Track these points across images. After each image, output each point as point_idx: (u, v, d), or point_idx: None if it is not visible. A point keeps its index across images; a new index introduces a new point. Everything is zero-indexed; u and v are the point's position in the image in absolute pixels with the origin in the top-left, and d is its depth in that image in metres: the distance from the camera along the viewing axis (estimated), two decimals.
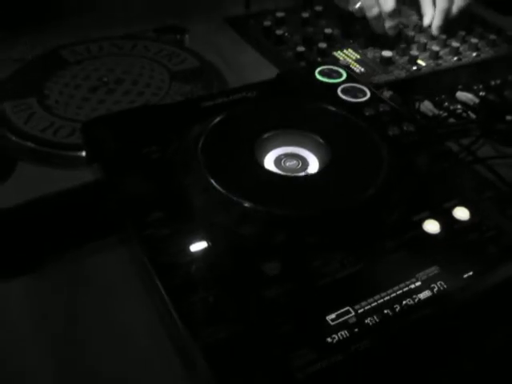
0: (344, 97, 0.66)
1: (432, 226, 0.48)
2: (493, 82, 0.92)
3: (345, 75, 0.70)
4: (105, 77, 0.81)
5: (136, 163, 0.56)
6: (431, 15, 0.95)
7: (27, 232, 0.62)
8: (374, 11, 0.89)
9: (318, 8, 1.02)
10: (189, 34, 0.94)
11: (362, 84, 0.68)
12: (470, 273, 0.44)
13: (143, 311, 0.54)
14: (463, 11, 0.95)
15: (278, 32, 0.93)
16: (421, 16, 0.98)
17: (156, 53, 0.88)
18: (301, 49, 0.88)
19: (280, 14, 0.99)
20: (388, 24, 0.90)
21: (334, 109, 0.62)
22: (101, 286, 0.58)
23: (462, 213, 0.49)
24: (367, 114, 0.63)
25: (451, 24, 0.96)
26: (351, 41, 0.94)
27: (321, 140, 0.57)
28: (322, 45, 0.89)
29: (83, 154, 0.68)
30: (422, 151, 0.58)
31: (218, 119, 0.58)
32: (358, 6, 0.93)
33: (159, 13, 1.02)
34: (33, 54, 0.87)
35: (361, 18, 0.93)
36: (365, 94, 0.67)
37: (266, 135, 0.57)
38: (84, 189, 0.63)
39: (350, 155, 0.56)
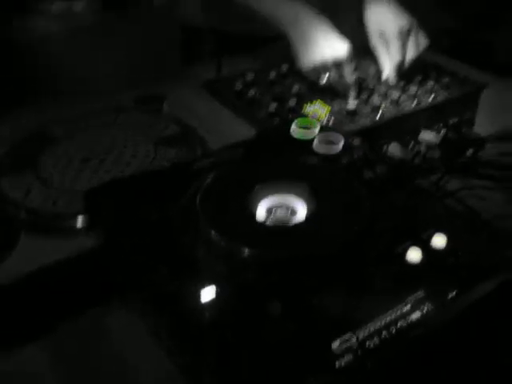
0: (320, 148, 0.72)
1: (414, 255, 0.54)
2: (451, 121, 1.00)
3: (318, 128, 0.77)
4: (94, 148, 0.86)
5: (138, 226, 0.61)
6: (388, 69, 1.03)
7: (35, 301, 0.66)
8: (340, 84, 1.00)
9: (284, 68, 1.09)
10: (166, 101, 1.00)
11: (335, 135, 0.75)
12: (453, 293, 0.50)
13: (155, 363, 0.59)
14: (416, 60, 1.04)
15: (250, 94, 1.00)
16: (378, 67, 1.06)
17: (138, 122, 0.94)
18: (272, 107, 0.95)
19: (249, 77, 1.06)
20: (352, 94, 0.99)
21: (314, 160, 0.69)
22: (110, 343, 0.63)
23: (439, 241, 0.55)
24: (344, 161, 0.70)
25: (407, 72, 1.04)
26: (318, 96, 1.01)
27: (306, 189, 0.63)
28: (292, 102, 0.96)
29: (82, 222, 0.73)
30: (396, 190, 0.65)
31: (211, 178, 0.64)
32: (325, 80, 1.02)
33: (135, 83, 1.08)
34: (23, 131, 0.92)
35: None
36: (338, 144, 0.73)
37: (256, 188, 0.63)
38: (86, 255, 0.68)
39: (333, 201, 0.62)
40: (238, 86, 1.03)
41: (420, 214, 0.61)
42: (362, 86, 1.02)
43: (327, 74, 1.02)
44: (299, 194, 0.63)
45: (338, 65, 1.00)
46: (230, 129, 0.93)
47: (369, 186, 0.64)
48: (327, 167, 0.68)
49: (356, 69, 1.02)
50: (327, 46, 1.01)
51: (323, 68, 1.02)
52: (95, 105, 1.00)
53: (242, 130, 0.92)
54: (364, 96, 0.98)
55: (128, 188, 0.67)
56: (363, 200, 0.61)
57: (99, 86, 1.10)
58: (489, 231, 0.59)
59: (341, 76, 1.00)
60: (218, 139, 0.88)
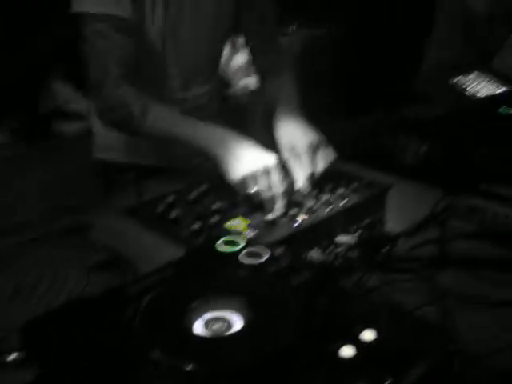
0: (247, 261, 0.76)
1: (347, 351, 0.57)
2: (364, 222, 1.07)
3: (242, 242, 0.81)
4: (23, 280, 0.87)
5: (77, 356, 0.62)
6: (301, 180, 1.11)
7: None
8: (269, 194, 1.05)
9: (203, 187, 1.14)
10: (92, 228, 1.02)
11: (259, 246, 0.79)
12: (388, 381, 0.54)
13: None
14: (326, 170, 1.13)
15: (172, 215, 1.04)
16: (292, 180, 1.13)
17: (65, 252, 0.95)
18: (196, 226, 0.99)
19: (170, 199, 1.10)
20: (278, 204, 1.04)
21: (243, 273, 0.73)
22: None
23: (368, 335, 0.59)
24: (270, 270, 0.74)
25: (319, 181, 1.12)
26: (238, 210, 1.06)
27: (239, 301, 0.66)
28: (214, 219, 1.01)
29: (18, 356, 0.73)
30: (322, 293, 0.69)
31: (147, 299, 0.67)
32: (254, 190, 1.07)
33: (58, 213, 1.10)
34: None
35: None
36: (263, 255, 0.77)
37: (192, 305, 0.66)
38: None
39: (265, 309, 0.66)
40: (160, 208, 1.07)
41: (347, 312, 0.65)
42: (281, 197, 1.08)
43: (251, 187, 1.08)
44: (233, 307, 0.66)
45: (261, 176, 1.06)
46: (156, 251, 0.96)
47: (296, 292, 0.68)
48: (256, 278, 0.72)
49: (280, 180, 1.08)
50: (250, 161, 1.08)
51: (247, 181, 1.07)
52: (20, 237, 1.01)
53: (169, 251, 0.95)
54: (282, 206, 1.04)
55: (63, 318, 0.69)
56: (293, 306, 0.65)
57: (24, 217, 1.12)
58: (411, 321, 0.64)
59: (264, 188, 1.05)
60: (147, 262, 0.90)
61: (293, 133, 1.19)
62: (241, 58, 2.66)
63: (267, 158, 1.08)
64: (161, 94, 1.30)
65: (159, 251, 0.95)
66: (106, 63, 1.22)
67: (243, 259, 0.76)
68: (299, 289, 0.70)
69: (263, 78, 1.50)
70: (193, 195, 1.12)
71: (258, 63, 1.51)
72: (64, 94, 1.62)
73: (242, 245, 0.80)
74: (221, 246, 0.80)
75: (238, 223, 1.01)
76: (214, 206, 1.06)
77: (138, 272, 0.89)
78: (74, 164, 1.31)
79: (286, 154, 1.17)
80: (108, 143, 1.43)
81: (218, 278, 0.74)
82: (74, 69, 1.75)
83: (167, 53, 1.33)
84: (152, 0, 1.25)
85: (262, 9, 1.42)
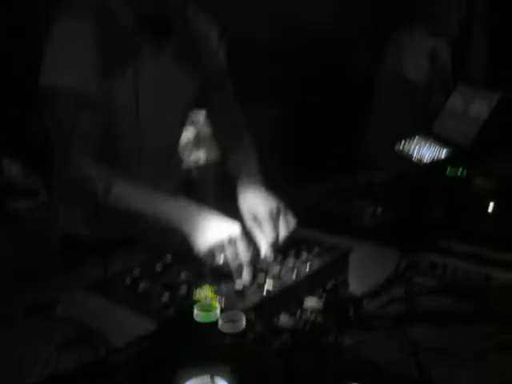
0: (226, 327, 0.77)
1: None
2: (328, 286, 1.09)
3: (218, 309, 0.82)
4: None
5: None
6: (265, 247, 1.13)
7: None
8: (236, 262, 1.07)
9: (168, 258, 1.15)
10: (59, 306, 1.01)
11: (236, 313, 0.80)
12: None
13: None
14: (289, 237, 1.16)
15: (140, 287, 1.04)
16: (257, 249, 1.15)
17: (34, 330, 0.94)
18: (166, 297, 0.99)
19: (136, 272, 1.10)
20: (245, 271, 1.06)
21: (225, 340, 0.74)
22: None
23: None
24: (249, 337, 0.75)
25: (283, 248, 1.15)
26: (205, 279, 1.06)
27: (224, 369, 0.67)
28: (183, 290, 1.01)
29: None
30: (300, 354, 0.71)
31: (132, 369, 0.67)
32: (222, 260, 1.09)
33: (24, 291, 1.09)
34: None
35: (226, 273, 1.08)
36: (241, 321, 0.78)
37: (177, 374, 0.66)
38: None
39: (250, 375, 0.67)
40: (127, 281, 1.07)
41: (329, 371, 0.67)
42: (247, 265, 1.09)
43: (217, 257, 1.09)
44: (219, 374, 0.67)
45: (227, 246, 1.08)
46: (128, 324, 0.96)
47: (279, 354, 0.70)
48: (237, 345, 0.73)
49: (245, 249, 1.09)
50: (215, 232, 1.10)
51: (213, 251, 1.09)
52: None
53: (140, 324, 0.94)
54: (249, 274, 1.05)
55: None
56: (278, 367, 0.66)
57: None
58: (388, 377, 0.66)
59: (230, 258, 1.07)
60: (120, 336, 0.90)
61: (254, 201, 1.22)
62: (190, 133, 2.72)
63: (231, 228, 1.11)
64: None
65: (130, 325, 0.95)
66: (70, 139, 1.23)
67: (223, 326, 0.77)
68: (280, 352, 0.71)
69: (225, 153, 1.52)
70: (159, 267, 1.12)
71: (218, 137, 1.55)
72: (14, 170, 1.61)
73: (218, 312, 0.81)
74: (198, 314, 0.81)
75: (206, 292, 1.01)
76: (182, 277, 1.07)
77: (111, 346, 0.88)
78: (33, 241, 1.30)
79: (248, 223, 1.19)
80: (72, 216, 1.42)
81: (201, 347, 0.74)
82: (24, 147, 1.75)
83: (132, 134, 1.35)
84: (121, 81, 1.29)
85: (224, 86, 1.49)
